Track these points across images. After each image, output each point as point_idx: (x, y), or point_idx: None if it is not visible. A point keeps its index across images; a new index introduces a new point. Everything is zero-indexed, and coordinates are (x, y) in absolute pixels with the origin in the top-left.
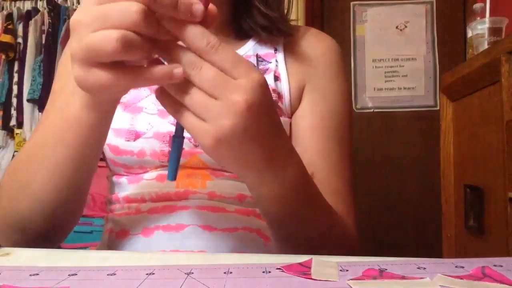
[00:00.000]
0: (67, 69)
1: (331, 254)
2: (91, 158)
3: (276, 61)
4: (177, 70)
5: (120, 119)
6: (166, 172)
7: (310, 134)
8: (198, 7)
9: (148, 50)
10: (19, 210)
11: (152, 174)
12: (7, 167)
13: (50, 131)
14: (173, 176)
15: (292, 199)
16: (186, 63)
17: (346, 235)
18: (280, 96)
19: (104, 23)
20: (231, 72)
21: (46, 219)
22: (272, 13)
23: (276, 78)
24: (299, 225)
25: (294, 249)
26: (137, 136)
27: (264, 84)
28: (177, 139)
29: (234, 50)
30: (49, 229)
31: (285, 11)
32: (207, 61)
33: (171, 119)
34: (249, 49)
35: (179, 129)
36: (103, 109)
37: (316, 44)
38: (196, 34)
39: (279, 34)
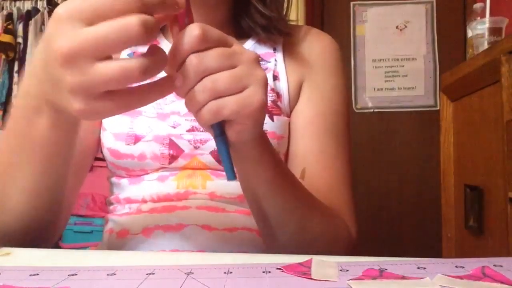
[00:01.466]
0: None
1: (318, 245)
2: (62, 172)
3: (275, 60)
4: (178, 79)
5: (120, 123)
6: (166, 173)
7: (306, 129)
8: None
9: (163, 61)
10: (0, 227)
11: (153, 176)
12: None
13: (16, 152)
14: (232, 175)
15: (278, 176)
16: (190, 59)
17: (335, 227)
18: (279, 95)
19: (108, 49)
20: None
21: (28, 231)
22: (270, 12)
23: (275, 78)
24: (281, 201)
25: (275, 231)
26: (136, 139)
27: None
28: (219, 137)
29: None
30: (33, 238)
31: (284, 11)
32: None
33: (170, 122)
34: (248, 48)
35: (216, 127)
36: (70, 125)
37: (314, 43)
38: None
39: (278, 33)
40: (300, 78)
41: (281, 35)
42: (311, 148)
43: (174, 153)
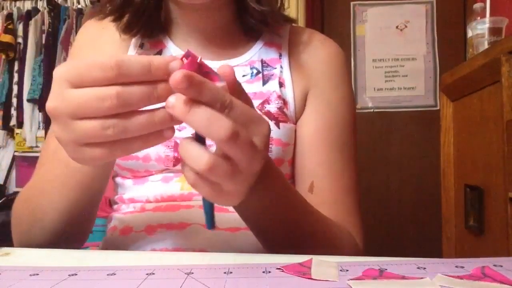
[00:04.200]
0: None
1: None
2: (97, 195)
3: (281, 67)
4: (168, 132)
5: None
6: (171, 175)
7: (313, 142)
8: (177, 75)
9: (144, 125)
10: (32, 239)
11: (157, 177)
12: (17, 197)
13: (56, 178)
14: (211, 226)
15: (276, 206)
16: (205, 121)
17: (343, 243)
18: (285, 102)
19: (84, 112)
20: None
21: (58, 243)
22: (259, 6)
23: (281, 84)
24: (283, 230)
25: (277, 249)
26: None
27: (269, 134)
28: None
29: (244, 105)
30: (63, 245)
31: (278, 3)
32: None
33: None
34: (254, 53)
35: None
36: (102, 164)
37: (321, 50)
38: (211, 95)
39: (277, 24)
40: (306, 86)
41: (284, 23)
42: (318, 161)
43: (178, 155)
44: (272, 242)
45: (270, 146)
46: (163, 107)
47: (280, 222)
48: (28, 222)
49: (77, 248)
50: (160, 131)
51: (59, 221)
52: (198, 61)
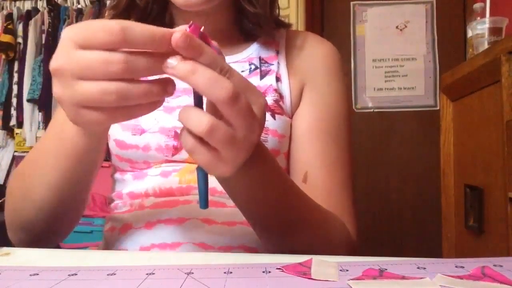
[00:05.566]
0: None
1: (317, 249)
2: (88, 174)
3: (278, 63)
4: (169, 88)
5: None
6: (169, 169)
7: (307, 135)
8: (177, 35)
9: (144, 94)
10: (23, 215)
11: (156, 170)
12: (12, 175)
13: (49, 152)
14: (205, 205)
15: (268, 188)
16: (207, 82)
17: (335, 231)
18: (281, 96)
19: (89, 73)
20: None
21: (47, 223)
22: (254, 9)
23: (278, 79)
24: (276, 214)
25: (270, 236)
26: (142, 130)
27: (265, 105)
28: (201, 169)
29: (241, 74)
30: (50, 231)
31: (270, 6)
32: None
33: (176, 114)
34: (252, 51)
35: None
36: (95, 135)
37: (316, 49)
38: (210, 59)
39: (273, 26)
40: (302, 82)
41: (278, 28)
42: (313, 153)
43: (178, 145)
44: (265, 229)
45: (266, 136)
46: (163, 78)
47: (272, 206)
48: (20, 196)
49: (62, 238)
50: (160, 101)
51: (49, 196)
52: (201, 30)
